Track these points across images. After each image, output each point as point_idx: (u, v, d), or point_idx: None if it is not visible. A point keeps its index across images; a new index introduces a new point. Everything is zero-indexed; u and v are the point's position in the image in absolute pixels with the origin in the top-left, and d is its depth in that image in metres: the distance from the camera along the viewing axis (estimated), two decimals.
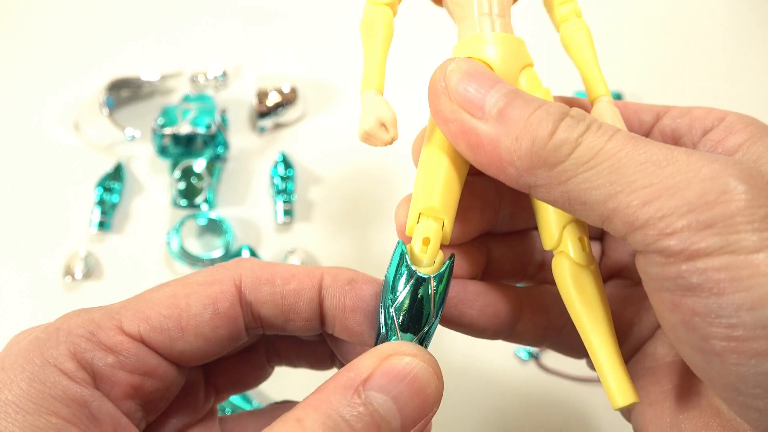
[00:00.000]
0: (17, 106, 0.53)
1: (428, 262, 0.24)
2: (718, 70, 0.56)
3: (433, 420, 0.23)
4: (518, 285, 0.29)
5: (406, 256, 0.23)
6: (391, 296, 0.23)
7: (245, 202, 0.49)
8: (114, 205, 0.48)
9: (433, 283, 0.23)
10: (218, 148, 0.49)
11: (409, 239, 0.24)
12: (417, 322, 0.23)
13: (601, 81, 0.27)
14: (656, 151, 0.20)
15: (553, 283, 0.30)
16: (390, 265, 0.24)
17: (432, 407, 0.21)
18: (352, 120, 0.52)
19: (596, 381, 0.43)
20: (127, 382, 0.22)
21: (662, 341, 0.26)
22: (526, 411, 0.43)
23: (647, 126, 0.28)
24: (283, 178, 0.49)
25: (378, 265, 0.47)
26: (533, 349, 0.44)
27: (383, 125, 0.24)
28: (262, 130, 0.51)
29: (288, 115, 0.51)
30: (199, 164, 0.48)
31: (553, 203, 0.22)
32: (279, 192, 0.48)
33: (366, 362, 0.21)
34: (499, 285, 0.27)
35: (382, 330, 0.23)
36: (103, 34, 0.56)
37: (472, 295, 0.26)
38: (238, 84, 0.54)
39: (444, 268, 0.23)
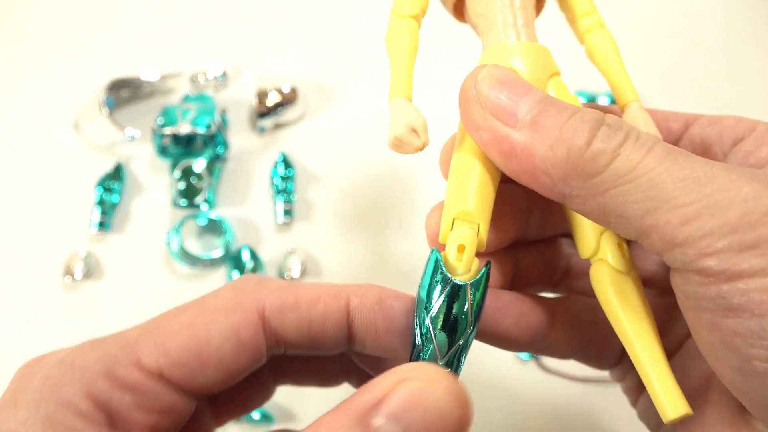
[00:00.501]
0: (17, 106, 0.53)
1: (464, 269, 0.23)
2: (718, 70, 0.56)
3: None
4: (543, 294, 0.29)
5: (441, 264, 0.23)
6: (426, 306, 0.23)
7: (245, 202, 0.49)
8: (114, 205, 0.48)
9: (469, 291, 0.22)
10: (218, 148, 0.49)
11: (443, 247, 0.24)
12: (454, 332, 0.22)
13: (630, 87, 0.26)
14: (696, 167, 0.19)
15: (580, 291, 0.29)
16: (424, 273, 0.23)
17: None
18: (352, 120, 0.52)
19: (596, 381, 0.43)
20: (144, 421, 0.21)
21: (692, 354, 0.26)
22: (526, 411, 0.43)
23: (676, 134, 0.27)
24: (283, 178, 0.49)
25: (378, 264, 0.47)
26: None
27: (414, 131, 0.23)
28: (262, 130, 0.51)
29: (288, 115, 0.51)
30: (199, 164, 0.48)
31: (587, 215, 0.21)
32: (279, 192, 0.48)
33: (381, 385, 0.19)
34: (531, 295, 0.27)
35: (418, 341, 0.23)
36: (103, 34, 0.56)
37: (506, 305, 0.26)
38: (238, 84, 0.54)
39: (481, 275, 0.23)
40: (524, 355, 0.44)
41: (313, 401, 0.43)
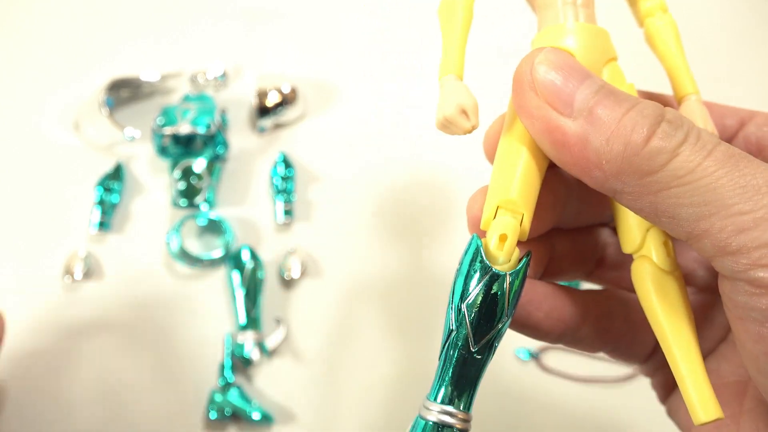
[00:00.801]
0: (17, 106, 0.53)
1: (504, 259, 0.22)
2: (719, 70, 0.56)
3: None
4: (568, 284, 0.28)
5: (482, 252, 0.22)
6: (463, 293, 0.22)
7: (245, 202, 0.49)
8: (114, 205, 0.48)
9: (508, 281, 0.22)
10: (218, 148, 0.49)
11: (483, 233, 0.23)
12: (489, 321, 0.22)
13: (689, 78, 0.26)
14: (757, 174, 0.19)
15: (613, 282, 0.29)
16: (462, 259, 0.23)
17: None
18: (352, 120, 0.52)
19: (596, 381, 0.43)
20: None
21: (726, 358, 0.26)
22: (526, 411, 0.43)
23: (731, 131, 0.27)
24: (283, 178, 0.49)
25: (379, 264, 0.47)
26: (533, 349, 0.44)
27: (464, 112, 0.22)
28: (262, 130, 0.51)
29: (288, 115, 0.51)
30: (199, 164, 0.48)
31: (637, 212, 0.21)
32: (279, 192, 0.48)
33: None
34: (564, 288, 0.27)
35: (452, 327, 0.23)
36: (103, 34, 0.56)
37: (540, 297, 0.26)
38: (238, 84, 0.54)
39: (521, 266, 0.22)
40: (524, 355, 0.44)
41: (314, 401, 0.43)
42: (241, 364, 0.44)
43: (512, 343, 0.44)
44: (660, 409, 0.29)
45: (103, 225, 0.47)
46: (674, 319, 0.23)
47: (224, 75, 0.53)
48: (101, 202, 0.47)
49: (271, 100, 0.50)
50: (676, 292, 0.23)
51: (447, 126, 0.22)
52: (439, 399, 0.23)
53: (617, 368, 0.43)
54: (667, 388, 0.28)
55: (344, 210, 0.49)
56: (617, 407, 0.43)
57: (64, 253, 0.46)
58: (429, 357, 0.40)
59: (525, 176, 0.23)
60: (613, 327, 0.27)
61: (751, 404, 0.23)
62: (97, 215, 0.47)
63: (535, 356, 0.44)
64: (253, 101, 0.50)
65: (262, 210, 0.49)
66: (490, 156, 0.25)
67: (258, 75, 0.52)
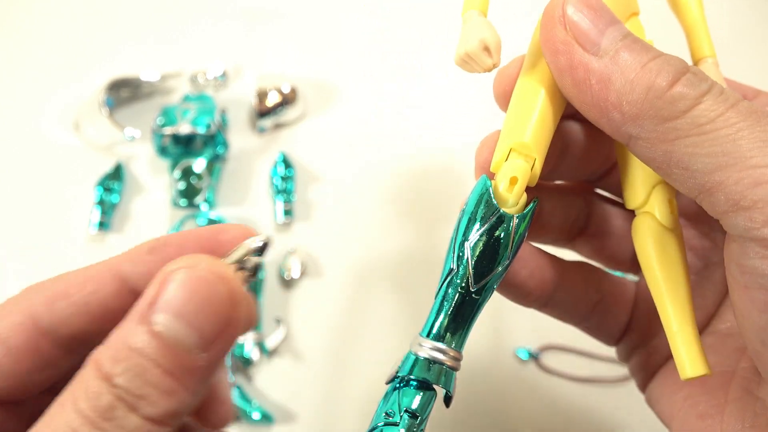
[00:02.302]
0: (17, 106, 0.53)
1: (513, 202, 0.22)
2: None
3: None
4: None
5: (491, 193, 0.22)
6: (466, 232, 0.22)
7: (245, 202, 0.49)
8: (114, 205, 0.48)
9: (514, 223, 0.22)
10: (218, 148, 0.49)
11: (492, 175, 0.23)
12: (491, 262, 0.22)
13: (707, 41, 0.25)
14: None
15: (593, 252, 0.29)
16: (469, 199, 0.23)
17: (229, 313, 0.18)
18: (352, 120, 0.52)
19: (597, 381, 0.43)
20: None
21: (712, 348, 0.25)
22: (526, 412, 0.43)
23: None
24: (283, 178, 0.49)
25: (379, 264, 0.47)
26: (533, 349, 0.44)
27: (487, 49, 0.22)
28: (262, 130, 0.51)
29: (288, 115, 0.51)
30: (198, 164, 0.48)
31: (649, 161, 0.20)
32: (279, 192, 0.48)
33: (152, 285, 0.18)
34: (545, 252, 0.27)
35: (452, 265, 0.23)
36: (103, 34, 0.56)
37: (527, 255, 0.26)
38: (238, 84, 0.54)
39: (528, 209, 0.22)
40: (524, 355, 0.44)
41: (314, 401, 0.43)
42: (241, 364, 0.44)
43: (512, 343, 0.44)
44: None
45: (103, 225, 0.47)
46: (671, 275, 0.23)
47: (224, 75, 0.53)
48: (101, 202, 0.47)
49: (271, 100, 0.50)
50: (675, 249, 0.23)
51: (467, 62, 0.22)
52: (431, 336, 0.23)
53: (617, 368, 0.43)
54: (646, 372, 0.28)
55: (344, 210, 0.49)
56: (617, 407, 0.43)
57: (64, 253, 0.46)
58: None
59: (541, 120, 0.22)
60: (586, 297, 0.27)
61: (736, 394, 0.23)
62: (97, 215, 0.47)
63: (535, 356, 0.44)
64: (253, 101, 0.50)
65: (262, 210, 0.49)
66: (502, 98, 0.25)
67: (258, 75, 0.52)
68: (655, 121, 0.19)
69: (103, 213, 0.47)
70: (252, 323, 0.19)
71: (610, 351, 0.31)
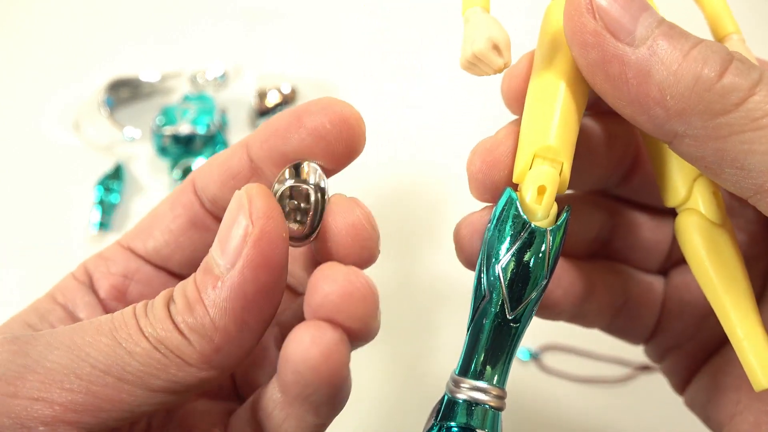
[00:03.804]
0: (17, 106, 0.53)
1: (543, 214, 0.20)
2: None
3: None
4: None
5: (518, 206, 0.20)
6: (495, 253, 0.20)
7: None
8: (114, 205, 0.48)
9: (549, 238, 0.20)
10: (218, 148, 0.49)
11: (515, 187, 0.21)
12: (527, 283, 0.20)
13: (730, 17, 0.23)
14: None
15: (615, 259, 0.27)
16: (494, 215, 0.21)
17: (246, 234, 0.19)
18: None
19: (597, 381, 0.43)
20: (109, 283, 0.25)
21: None
22: (526, 412, 0.43)
23: None
24: None
25: (379, 264, 0.47)
26: (533, 349, 0.44)
27: (496, 47, 0.20)
28: None
29: None
30: (198, 164, 0.48)
31: (696, 160, 0.19)
32: None
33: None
34: (571, 260, 0.25)
35: (484, 293, 0.20)
36: (103, 34, 0.56)
37: (559, 271, 0.24)
38: (238, 84, 0.54)
39: (562, 220, 0.20)
40: (524, 356, 0.44)
41: None
42: None
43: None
44: (660, 410, 0.28)
45: (103, 225, 0.47)
46: (727, 275, 0.21)
47: (224, 75, 0.53)
48: (101, 202, 0.47)
49: (271, 100, 0.50)
50: (728, 246, 0.21)
51: (474, 64, 0.20)
52: (469, 374, 0.20)
53: (617, 368, 0.43)
54: (683, 374, 0.27)
55: None
56: (617, 407, 0.43)
57: (64, 254, 0.46)
58: (429, 357, 0.40)
59: (564, 120, 0.20)
60: (611, 302, 0.26)
61: None
62: (97, 215, 0.47)
63: (535, 356, 0.44)
64: (253, 101, 0.50)
65: None
66: (514, 100, 0.23)
67: (258, 75, 0.52)
68: (704, 116, 0.17)
69: (103, 213, 0.47)
70: (280, 261, 0.19)
71: (612, 351, 0.31)
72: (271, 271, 0.19)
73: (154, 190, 0.49)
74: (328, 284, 0.19)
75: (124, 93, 0.52)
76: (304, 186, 0.22)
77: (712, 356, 0.26)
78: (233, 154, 0.23)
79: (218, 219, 0.22)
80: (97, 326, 0.20)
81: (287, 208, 0.21)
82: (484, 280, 0.20)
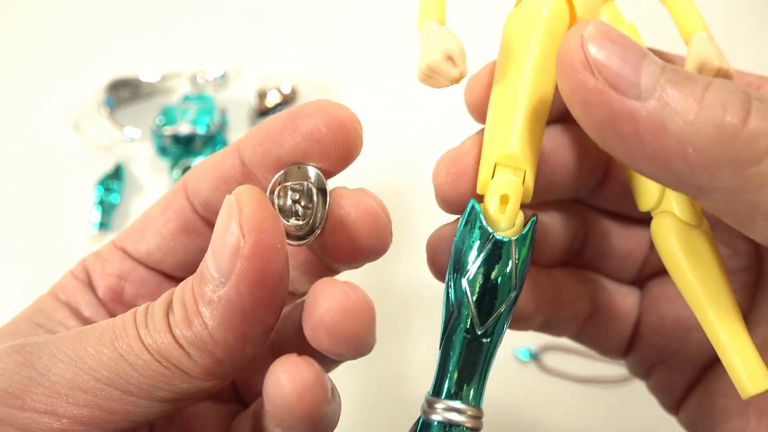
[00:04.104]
0: (17, 106, 0.53)
1: (507, 224, 0.20)
2: None
3: None
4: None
5: (481, 218, 0.19)
6: (461, 266, 0.19)
7: None
8: (114, 205, 0.48)
9: (515, 249, 0.19)
10: (218, 148, 0.49)
11: (480, 198, 0.20)
12: (495, 296, 0.19)
13: (696, 14, 0.23)
14: None
15: (587, 267, 0.26)
16: (459, 230, 0.20)
17: (237, 249, 0.18)
18: None
19: (597, 381, 0.43)
20: (105, 283, 0.24)
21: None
22: (526, 412, 0.43)
23: None
24: None
25: (379, 264, 0.47)
26: (533, 350, 0.44)
27: (450, 58, 0.19)
28: None
29: None
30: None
31: (724, 213, 0.17)
32: None
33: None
34: (542, 270, 0.25)
35: (452, 309, 0.20)
36: (103, 34, 0.56)
37: (529, 283, 0.24)
38: (238, 84, 0.54)
39: (527, 229, 0.20)
40: (524, 356, 0.44)
41: None
42: None
43: (512, 343, 0.44)
44: (660, 410, 0.28)
45: (103, 225, 0.47)
46: (706, 277, 0.20)
47: (224, 75, 0.53)
48: (101, 202, 0.47)
49: (271, 100, 0.50)
50: (705, 247, 0.21)
51: (431, 76, 0.20)
52: (443, 394, 0.20)
53: (617, 368, 0.43)
54: (674, 392, 0.26)
55: None
56: (617, 407, 0.43)
57: (64, 254, 0.46)
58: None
59: (526, 127, 0.20)
60: (579, 310, 0.26)
61: None
62: (97, 215, 0.47)
63: (535, 356, 0.44)
64: (253, 101, 0.50)
65: None
66: (476, 110, 0.23)
67: (258, 75, 0.52)
68: (732, 167, 0.16)
69: (103, 213, 0.47)
70: (281, 275, 0.19)
71: None
72: (268, 285, 0.18)
73: (154, 190, 0.49)
74: (327, 300, 0.19)
75: (124, 93, 0.52)
76: (306, 183, 0.21)
77: (707, 374, 0.25)
78: (225, 157, 0.23)
79: (211, 224, 0.21)
80: (99, 335, 0.19)
81: (287, 207, 0.21)
82: (451, 296, 0.20)
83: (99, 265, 0.25)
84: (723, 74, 0.21)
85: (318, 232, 0.21)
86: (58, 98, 0.53)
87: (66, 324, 0.24)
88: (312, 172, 0.21)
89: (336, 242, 0.21)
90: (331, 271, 0.25)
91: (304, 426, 0.19)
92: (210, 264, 0.18)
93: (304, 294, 0.26)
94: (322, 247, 0.22)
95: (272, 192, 0.21)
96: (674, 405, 0.26)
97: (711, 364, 0.25)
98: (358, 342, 0.19)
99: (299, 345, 0.22)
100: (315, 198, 0.21)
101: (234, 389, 0.26)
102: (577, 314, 0.26)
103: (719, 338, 0.20)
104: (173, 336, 0.19)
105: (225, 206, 0.18)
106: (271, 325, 0.19)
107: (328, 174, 0.22)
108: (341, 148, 0.21)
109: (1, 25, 0.57)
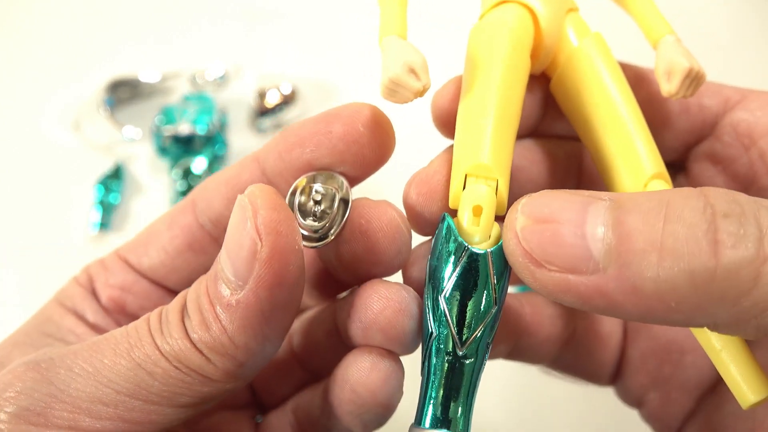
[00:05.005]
0: (17, 106, 0.53)
1: (482, 236, 0.19)
2: (719, 70, 0.56)
3: None
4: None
5: (454, 231, 0.19)
6: (438, 284, 0.19)
7: None
8: (114, 206, 0.48)
9: (491, 261, 0.18)
10: (217, 148, 0.49)
11: (455, 213, 0.20)
12: (475, 313, 0.18)
13: (660, 19, 0.22)
14: None
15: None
16: (434, 246, 0.20)
17: (254, 254, 0.18)
18: None
19: None
20: (107, 294, 0.24)
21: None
22: (526, 412, 0.43)
23: (710, 114, 0.22)
24: None
25: None
26: None
27: (412, 71, 0.19)
28: (262, 130, 0.51)
29: (288, 115, 0.51)
30: (198, 164, 0.48)
31: (742, 335, 0.16)
32: None
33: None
34: (511, 294, 0.24)
35: (431, 328, 0.19)
36: (103, 34, 0.56)
37: (540, 316, 0.24)
38: (238, 84, 0.54)
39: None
40: None
41: None
42: None
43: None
44: None
45: (103, 225, 0.47)
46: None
47: (224, 75, 0.53)
48: (101, 202, 0.47)
49: (271, 100, 0.50)
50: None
51: (394, 90, 0.19)
52: (427, 423, 0.19)
53: None
54: (671, 421, 0.25)
55: None
56: (618, 407, 0.43)
57: (64, 254, 0.46)
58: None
59: (497, 136, 0.19)
60: (553, 334, 0.25)
61: None
62: (97, 215, 0.47)
63: None
64: (253, 101, 0.50)
65: None
66: (443, 124, 0.23)
67: (258, 75, 0.52)
68: (725, 305, 0.14)
69: (103, 213, 0.47)
70: (297, 278, 0.18)
71: None
72: (287, 288, 0.18)
73: (154, 190, 0.49)
74: (381, 300, 0.19)
75: (124, 93, 0.52)
76: (331, 189, 0.21)
77: (705, 401, 0.24)
78: (243, 169, 0.22)
79: (219, 242, 0.21)
80: (114, 346, 0.19)
81: (307, 206, 0.21)
82: (429, 316, 0.19)
83: (102, 274, 0.25)
84: (694, 75, 0.21)
85: (332, 237, 0.21)
86: (58, 98, 0.52)
87: (75, 331, 0.23)
88: (340, 181, 0.21)
89: (353, 252, 0.21)
90: (342, 286, 0.24)
91: (382, 412, 0.19)
92: (225, 267, 0.18)
93: (307, 307, 0.26)
94: (338, 257, 0.21)
95: (295, 190, 0.21)
96: None
97: (710, 391, 0.24)
98: (409, 340, 0.20)
99: (330, 348, 0.23)
100: (336, 203, 0.21)
101: (251, 394, 0.26)
102: (551, 339, 0.24)
103: (713, 345, 0.19)
104: (191, 341, 0.18)
105: (238, 207, 0.18)
106: (289, 325, 0.19)
107: (358, 179, 0.22)
108: (378, 148, 0.21)
109: (1, 25, 0.57)
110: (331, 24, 0.57)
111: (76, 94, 0.52)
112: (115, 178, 0.48)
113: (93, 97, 0.51)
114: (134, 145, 0.50)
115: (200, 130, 0.47)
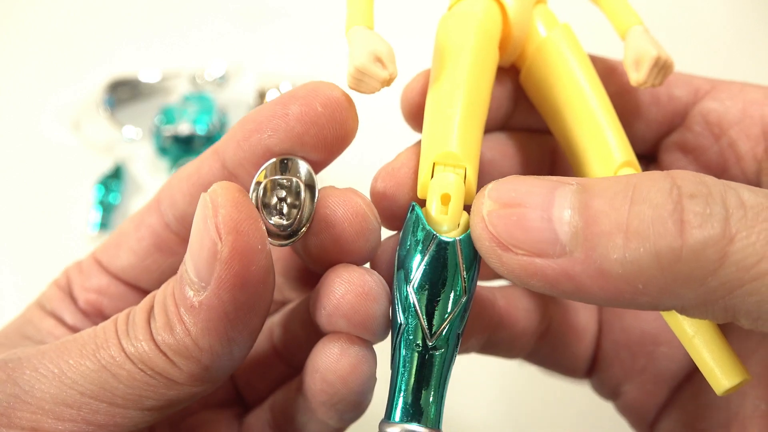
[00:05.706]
0: (17, 105, 0.53)
1: (451, 225, 0.18)
2: (719, 70, 0.56)
3: None
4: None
5: (423, 220, 0.18)
6: (407, 274, 0.18)
7: None
8: (114, 205, 0.48)
9: (459, 249, 0.18)
10: None
11: (423, 203, 0.19)
12: (444, 303, 0.18)
13: (629, 10, 0.22)
14: None
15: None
16: (402, 236, 0.19)
17: (215, 254, 0.17)
18: None
19: None
20: (84, 297, 0.24)
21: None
22: (526, 412, 0.43)
23: (680, 105, 0.22)
24: None
25: None
26: None
27: (379, 60, 0.19)
28: None
29: None
30: None
31: (714, 319, 0.16)
32: None
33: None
34: (486, 288, 0.24)
35: (400, 320, 0.18)
36: (103, 34, 0.56)
37: (518, 309, 0.23)
38: (238, 84, 0.54)
39: None
40: None
41: None
42: None
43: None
44: None
45: (103, 225, 0.47)
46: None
47: (224, 75, 0.53)
48: (101, 202, 0.47)
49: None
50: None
51: (360, 80, 0.19)
52: (398, 416, 0.18)
53: None
54: (646, 412, 0.25)
55: None
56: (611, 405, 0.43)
57: (64, 254, 0.46)
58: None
59: (464, 124, 0.19)
60: (528, 328, 0.24)
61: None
62: (96, 215, 0.47)
63: None
64: (253, 101, 0.50)
65: None
66: (411, 117, 0.23)
67: (258, 74, 0.52)
68: (691, 285, 0.14)
69: (103, 213, 0.47)
70: (267, 284, 0.18)
71: None
72: (251, 289, 0.17)
73: (154, 191, 0.49)
74: (344, 284, 0.18)
75: (124, 93, 0.52)
76: (294, 179, 0.20)
77: (680, 393, 0.24)
78: (201, 164, 0.21)
79: (186, 241, 0.20)
80: (81, 347, 0.19)
81: (272, 204, 0.19)
82: (397, 307, 0.19)
83: (79, 277, 0.24)
84: (662, 63, 0.21)
85: (303, 232, 0.20)
86: (58, 98, 0.52)
87: (54, 333, 0.23)
88: (303, 167, 0.20)
89: (320, 244, 0.20)
90: (316, 276, 0.24)
91: (355, 399, 0.19)
92: (189, 267, 0.18)
93: (289, 301, 0.25)
94: (305, 249, 0.21)
95: (257, 186, 0.20)
96: (647, 427, 0.25)
97: (684, 382, 0.24)
98: (376, 325, 0.19)
99: (309, 339, 0.22)
100: (302, 196, 0.20)
101: (235, 392, 0.26)
102: (526, 332, 0.24)
103: (685, 331, 0.18)
104: (155, 343, 0.18)
105: (200, 206, 0.18)
106: (258, 327, 0.19)
107: (323, 163, 0.21)
108: (338, 128, 0.20)
109: (1, 25, 0.57)
110: (332, 24, 0.57)
111: (76, 93, 0.52)
112: (115, 178, 0.48)
113: (93, 97, 0.51)
114: (134, 145, 0.50)
115: (200, 130, 0.47)
